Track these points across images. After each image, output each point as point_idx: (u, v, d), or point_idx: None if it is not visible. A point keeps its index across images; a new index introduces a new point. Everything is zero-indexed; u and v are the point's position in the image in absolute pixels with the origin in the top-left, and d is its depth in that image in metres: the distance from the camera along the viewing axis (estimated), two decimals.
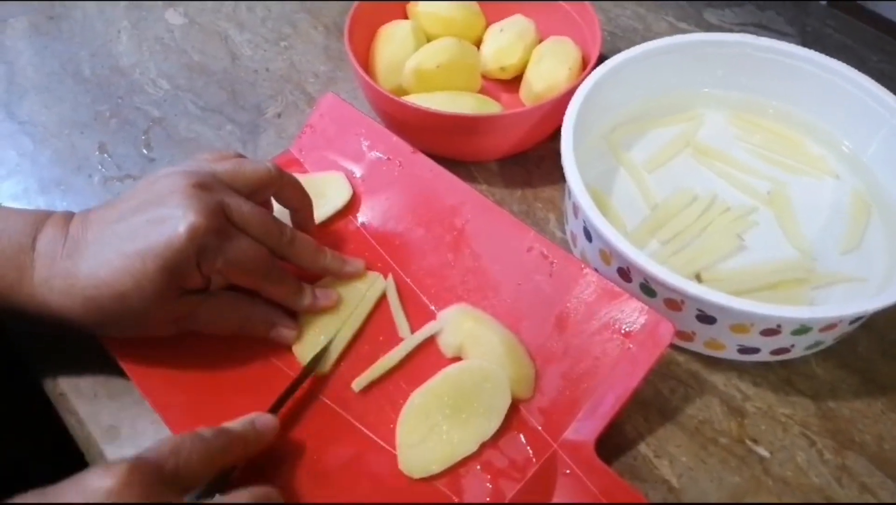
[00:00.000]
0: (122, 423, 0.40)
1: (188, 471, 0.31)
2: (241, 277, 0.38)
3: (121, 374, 0.40)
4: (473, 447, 0.37)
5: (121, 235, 0.36)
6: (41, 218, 0.38)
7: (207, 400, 0.39)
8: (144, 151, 0.55)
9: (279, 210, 0.43)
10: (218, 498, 0.32)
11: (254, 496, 0.32)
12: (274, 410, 0.37)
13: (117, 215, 0.37)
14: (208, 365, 0.40)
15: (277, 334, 0.41)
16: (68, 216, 0.38)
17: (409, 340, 0.41)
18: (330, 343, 0.41)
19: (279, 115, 0.58)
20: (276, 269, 0.40)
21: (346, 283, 0.43)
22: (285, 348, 0.41)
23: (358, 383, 0.40)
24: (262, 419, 0.36)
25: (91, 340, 0.40)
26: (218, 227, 0.36)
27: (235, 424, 0.35)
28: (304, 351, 0.41)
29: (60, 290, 0.36)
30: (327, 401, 0.40)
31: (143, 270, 0.35)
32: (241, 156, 0.42)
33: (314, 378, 0.40)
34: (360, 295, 0.43)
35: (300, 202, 0.43)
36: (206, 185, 0.37)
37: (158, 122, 0.57)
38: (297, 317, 0.42)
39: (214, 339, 0.40)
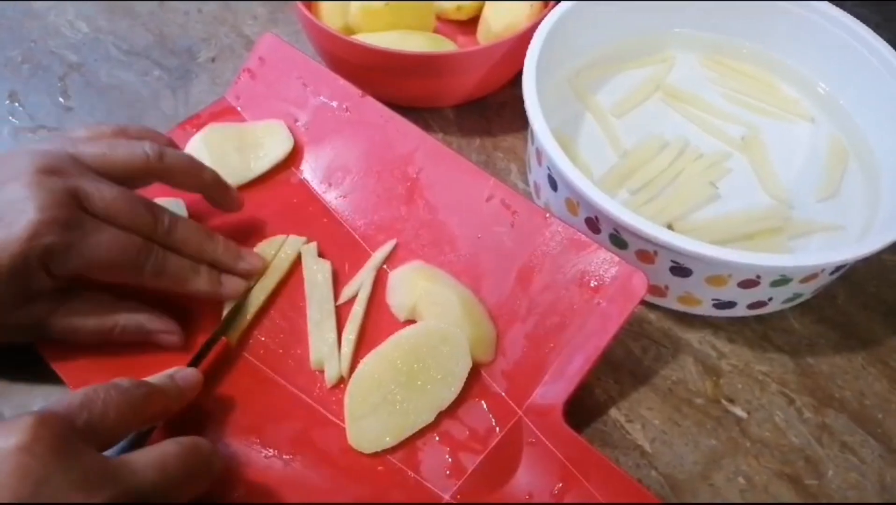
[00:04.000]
0: (35, 401, 0.35)
1: (103, 425, 0.27)
2: (111, 276, 0.33)
3: (33, 348, 0.35)
4: (430, 417, 0.34)
5: None
6: None
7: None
8: (61, 100, 0.49)
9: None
10: (136, 453, 0.28)
11: (182, 445, 0.28)
12: None
13: None
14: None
15: (156, 339, 0.35)
16: None
17: (359, 302, 0.38)
18: (240, 307, 0.37)
19: (213, 60, 0.52)
20: (155, 256, 0.34)
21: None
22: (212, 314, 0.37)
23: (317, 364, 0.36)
24: (182, 373, 0.32)
25: None
26: (67, 220, 0.30)
27: (154, 377, 0.31)
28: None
29: None
30: (269, 372, 0.36)
31: None
32: (123, 131, 0.37)
33: (253, 348, 0.36)
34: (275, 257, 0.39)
35: (201, 184, 0.37)
36: (56, 170, 0.31)
37: (76, 67, 0.51)
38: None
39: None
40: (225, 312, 0.36)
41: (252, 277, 0.38)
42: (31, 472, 0.23)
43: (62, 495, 0.24)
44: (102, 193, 0.32)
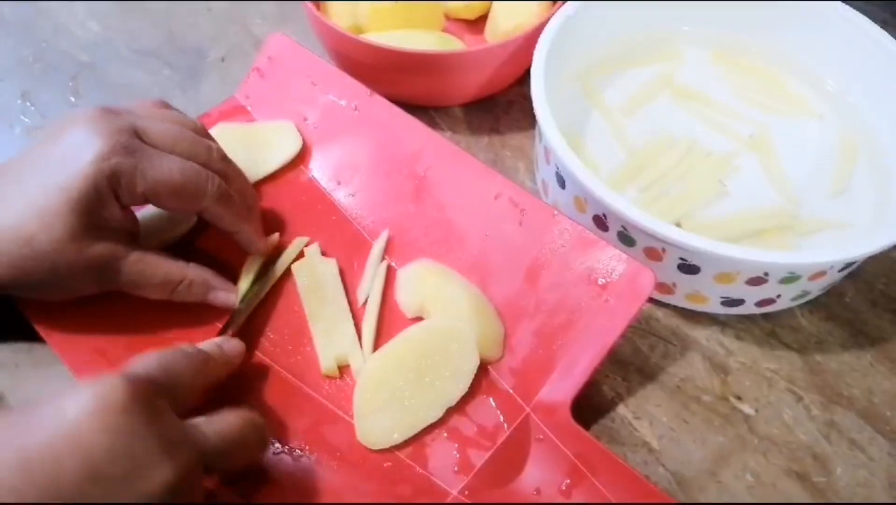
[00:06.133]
0: (47, 394, 0.36)
1: (179, 388, 0.28)
2: (176, 200, 0.34)
3: (44, 342, 0.35)
4: (439, 413, 0.34)
5: (25, 175, 0.32)
6: None
7: None
8: (72, 99, 0.50)
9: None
10: (202, 419, 0.29)
11: (241, 417, 0.30)
12: None
13: (22, 157, 0.33)
14: (140, 331, 0.36)
15: (215, 298, 0.36)
16: None
17: (371, 301, 0.38)
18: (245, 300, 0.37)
19: (222, 59, 0.53)
20: (216, 181, 0.35)
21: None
22: (225, 313, 0.37)
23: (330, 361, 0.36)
24: (230, 343, 0.34)
25: (9, 305, 0.36)
26: (129, 146, 0.32)
27: (204, 344, 0.32)
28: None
29: None
30: (278, 368, 0.36)
31: (48, 207, 0.31)
32: (167, 105, 0.38)
33: (263, 345, 0.37)
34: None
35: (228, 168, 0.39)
36: (114, 111, 0.33)
37: (87, 66, 0.52)
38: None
39: (146, 302, 0.35)
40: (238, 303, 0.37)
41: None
42: (127, 429, 0.25)
43: (151, 454, 0.25)
44: (157, 126, 0.34)
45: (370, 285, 0.39)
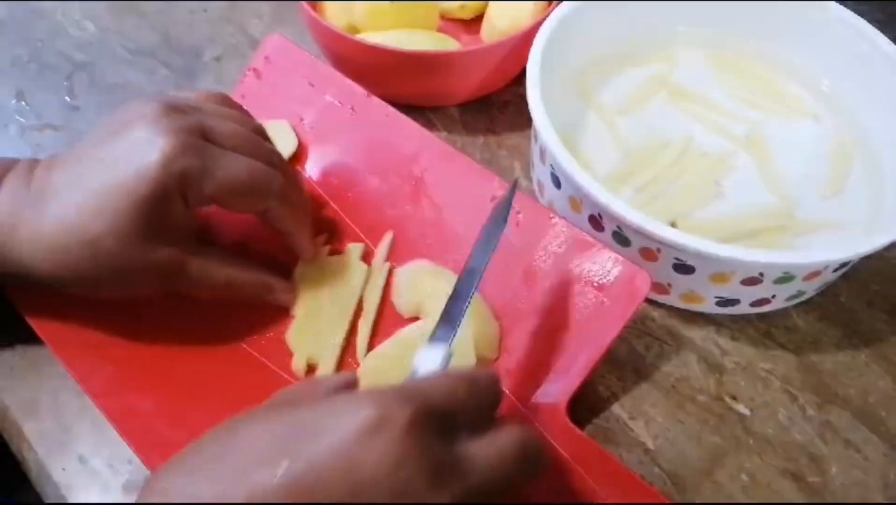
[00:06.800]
0: (43, 395, 0.36)
1: (461, 416, 0.24)
2: (243, 200, 0.33)
3: (40, 343, 0.35)
4: None
5: (87, 173, 0.31)
6: (1, 169, 0.32)
7: (136, 369, 0.35)
8: (67, 99, 0.50)
9: None
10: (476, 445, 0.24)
11: (517, 440, 0.25)
12: None
13: (83, 153, 0.32)
14: (137, 328, 0.36)
15: (275, 299, 0.37)
16: (33, 163, 0.33)
17: (369, 302, 0.38)
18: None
19: (218, 59, 0.53)
20: (279, 179, 0.34)
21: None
22: (222, 308, 0.37)
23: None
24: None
25: (5, 306, 0.35)
26: (197, 147, 0.31)
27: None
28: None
29: (28, 240, 0.31)
30: (272, 366, 0.36)
31: (115, 209, 0.30)
32: (229, 100, 0.38)
33: (259, 344, 0.37)
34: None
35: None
36: (179, 108, 0.32)
37: (83, 67, 0.52)
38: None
39: (143, 298, 0.35)
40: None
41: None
42: (403, 454, 0.22)
43: (413, 485, 0.22)
44: (223, 126, 0.33)
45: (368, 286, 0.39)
